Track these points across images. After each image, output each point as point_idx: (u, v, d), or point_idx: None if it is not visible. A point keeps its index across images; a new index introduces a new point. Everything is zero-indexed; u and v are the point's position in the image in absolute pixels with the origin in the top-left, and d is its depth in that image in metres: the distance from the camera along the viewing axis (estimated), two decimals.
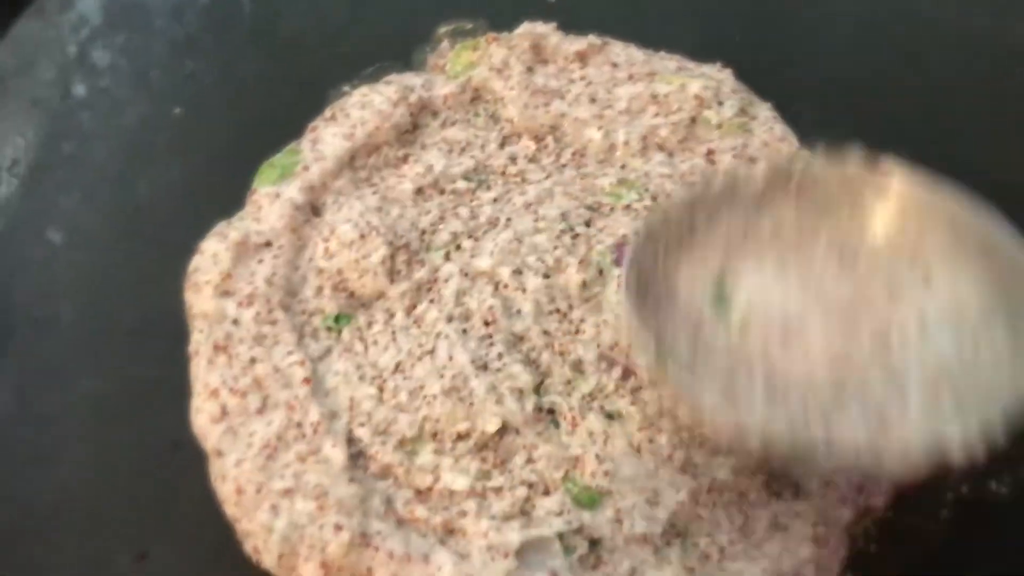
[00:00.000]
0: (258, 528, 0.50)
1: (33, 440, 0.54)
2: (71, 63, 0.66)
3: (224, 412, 0.52)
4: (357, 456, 0.52)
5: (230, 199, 0.59)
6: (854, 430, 0.47)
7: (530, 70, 0.65)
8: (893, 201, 0.53)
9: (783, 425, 0.47)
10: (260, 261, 0.57)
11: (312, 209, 0.60)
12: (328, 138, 0.61)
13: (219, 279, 0.55)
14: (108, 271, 0.59)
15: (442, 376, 0.53)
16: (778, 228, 0.54)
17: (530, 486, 0.52)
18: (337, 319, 0.56)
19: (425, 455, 0.52)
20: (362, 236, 0.57)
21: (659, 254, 0.53)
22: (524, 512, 0.52)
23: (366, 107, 0.62)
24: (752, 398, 0.49)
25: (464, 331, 0.55)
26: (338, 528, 0.49)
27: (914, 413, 0.48)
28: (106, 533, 0.52)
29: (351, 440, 0.53)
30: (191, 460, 0.52)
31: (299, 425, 0.52)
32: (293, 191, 0.59)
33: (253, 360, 0.54)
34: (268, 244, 0.57)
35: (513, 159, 0.62)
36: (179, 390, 0.54)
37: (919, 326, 0.51)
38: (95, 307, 0.58)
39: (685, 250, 0.53)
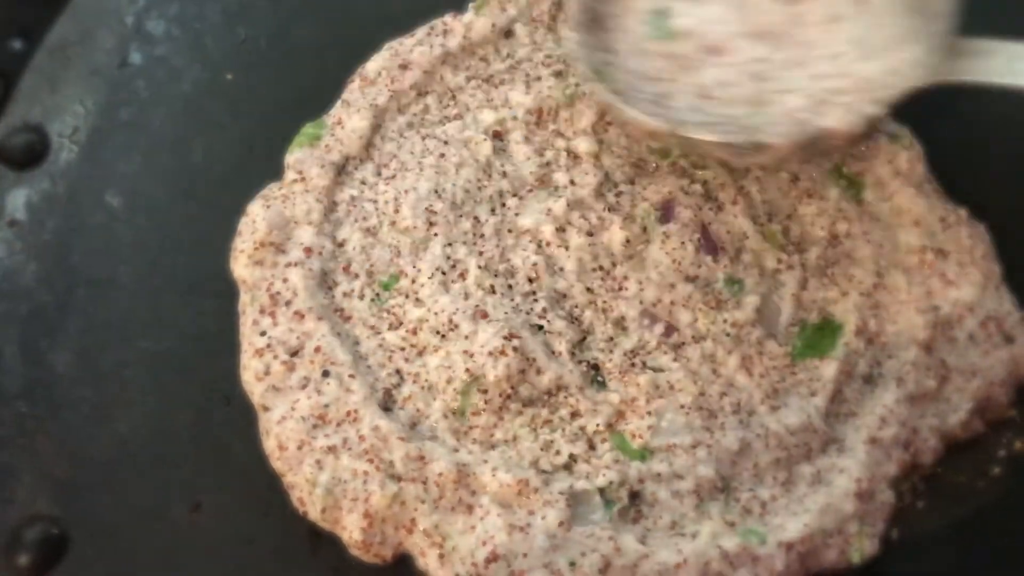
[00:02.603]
0: (302, 481, 0.51)
1: (93, 397, 0.56)
2: (128, 32, 0.67)
3: (268, 371, 0.54)
4: (400, 413, 0.53)
5: (282, 161, 0.60)
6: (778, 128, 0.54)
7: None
8: None
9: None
10: (298, 228, 0.57)
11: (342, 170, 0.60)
12: (361, 100, 0.62)
13: (253, 249, 0.56)
14: (164, 232, 0.60)
15: (489, 334, 0.54)
16: None
17: (574, 441, 0.53)
18: (386, 285, 0.57)
19: (471, 412, 0.53)
20: (427, 217, 0.58)
21: None
22: (567, 467, 0.52)
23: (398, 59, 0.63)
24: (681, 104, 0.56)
25: (510, 287, 0.56)
26: (382, 483, 0.50)
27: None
28: (162, 485, 0.54)
29: (394, 399, 0.54)
30: (243, 414, 0.54)
31: (348, 390, 0.53)
32: (329, 157, 0.60)
33: (292, 330, 0.54)
34: (307, 212, 0.58)
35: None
36: (231, 347, 0.55)
37: (846, 47, 0.56)
38: (152, 267, 0.59)
39: None
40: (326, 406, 0.52)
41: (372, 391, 0.53)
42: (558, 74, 0.62)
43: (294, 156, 0.59)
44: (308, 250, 0.56)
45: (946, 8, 0.54)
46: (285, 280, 0.55)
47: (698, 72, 0.57)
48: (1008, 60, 0.52)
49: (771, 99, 0.55)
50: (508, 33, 0.64)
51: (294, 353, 0.54)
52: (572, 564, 0.48)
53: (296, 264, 0.56)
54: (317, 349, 0.54)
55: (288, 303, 0.55)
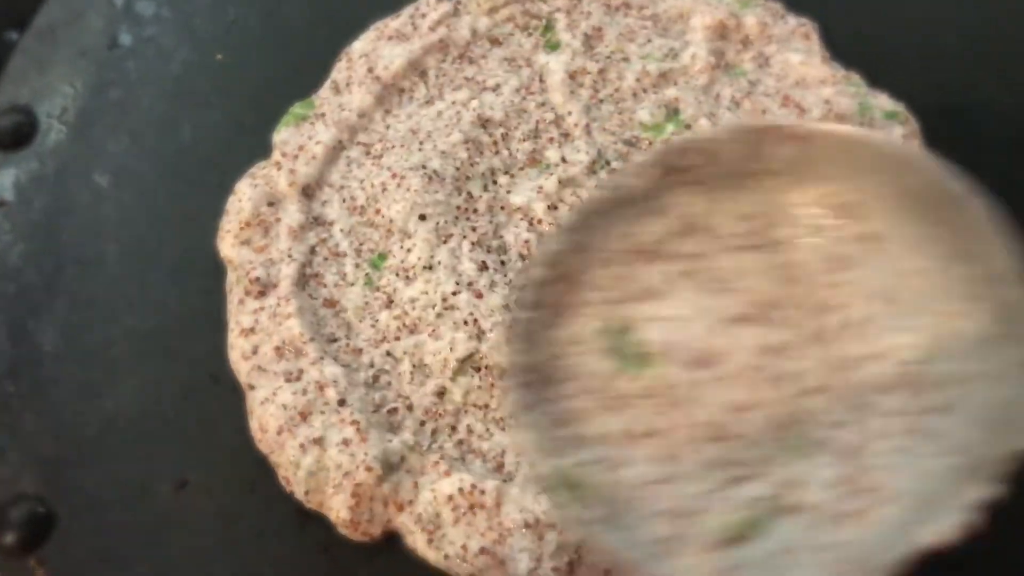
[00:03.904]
0: (285, 462, 0.51)
1: (79, 375, 0.55)
2: (117, 14, 0.67)
3: (255, 351, 0.53)
4: (387, 395, 0.53)
5: (270, 141, 0.59)
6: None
7: None
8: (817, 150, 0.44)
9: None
10: (284, 209, 0.57)
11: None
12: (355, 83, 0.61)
13: (239, 228, 0.56)
14: (152, 211, 0.60)
15: (482, 310, 0.53)
16: (686, 230, 0.45)
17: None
18: (375, 264, 0.56)
19: (462, 390, 0.53)
20: (417, 195, 0.57)
21: (546, 321, 0.44)
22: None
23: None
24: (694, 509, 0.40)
25: (502, 263, 0.55)
26: (368, 468, 0.50)
27: (890, 456, 0.39)
28: (148, 462, 0.53)
29: (385, 381, 0.53)
30: (230, 392, 0.53)
31: (328, 384, 0.52)
32: (317, 136, 0.59)
33: (275, 315, 0.54)
34: (293, 192, 0.58)
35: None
36: (219, 325, 0.55)
37: (879, 314, 0.41)
38: (140, 246, 0.59)
39: (578, 303, 0.44)
40: (308, 402, 0.52)
41: (354, 381, 0.53)
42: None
43: (281, 136, 0.59)
44: (293, 231, 0.56)
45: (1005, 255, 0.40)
46: (270, 263, 0.55)
47: (696, 405, 0.41)
48: None
49: (810, 410, 0.41)
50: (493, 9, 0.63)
51: (279, 340, 0.53)
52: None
53: (281, 247, 0.56)
54: (297, 337, 0.53)
55: (274, 286, 0.55)
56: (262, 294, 0.55)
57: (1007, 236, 0.41)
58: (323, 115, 0.60)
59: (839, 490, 0.39)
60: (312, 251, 0.56)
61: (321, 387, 0.52)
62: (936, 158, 0.42)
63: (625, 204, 0.46)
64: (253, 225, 0.56)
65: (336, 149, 0.59)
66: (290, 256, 0.55)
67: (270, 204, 0.57)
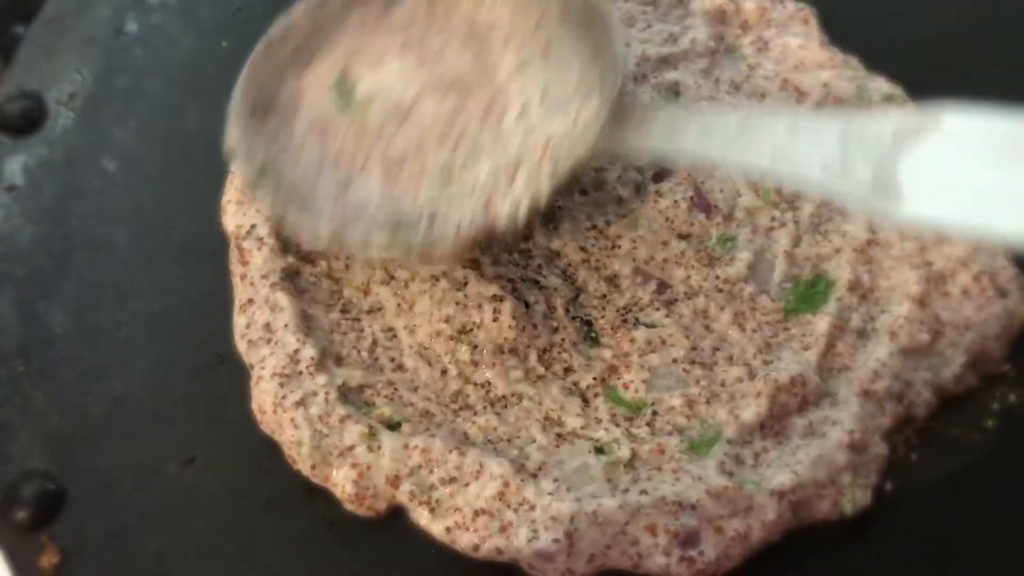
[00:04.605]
0: (288, 441, 0.52)
1: (88, 356, 0.56)
2: (124, 1, 0.67)
3: (248, 325, 0.54)
4: (385, 365, 0.54)
5: None
6: (462, 210, 0.51)
7: None
8: None
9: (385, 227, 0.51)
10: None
11: None
12: None
13: (238, 194, 0.57)
14: (159, 195, 0.61)
15: (482, 286, 0.54)
16: (408, 18, 0.57)
17: (567, 395, 0.53)
18: None
19: (458, 366, 0.53)
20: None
21: (284, 66, 0.56)
22: (560, 421, 0.52)
23: None
24: (367, 201, 0.53)
25: (506, 243, 0.56)
26: (364, 437, 0.51)
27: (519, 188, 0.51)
28: (156, 440, 0.54)
29: (382, 355, 0.54)
30: (237, 372, 0.54)
31: (302, 350, 0.53)
32: None
33: (272, 287, 0.55)
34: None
35: None
36: (225, 306, 0.56)
37: (534, 99, 0.54)
38: (147, 230, 0.60)
39: (315, 56, 0.57)
40: (291, 373, 0.52)
41: (332, 353, 0.54)
42: None
43: None
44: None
45: (619, 58, 0.52)
46: (255, 236, 0.56)
47: (387, 144, 0.54)
48: (667, 127, 0.50)
49: (465, 165, 0.53)
50: None
51: (268, 312, 0.54)
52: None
53: (263, 223, 0.57)
54: (283, 314, 0.54)
55: (262, 252, 0.56)
56: (245, 275, 0.56)
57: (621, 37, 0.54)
58: None
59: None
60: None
61: (299, 358, 0.53)
62: None
63: None
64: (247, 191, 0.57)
65: None
66: (271, 229, 0.56)
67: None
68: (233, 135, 0.54)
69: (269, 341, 0.53)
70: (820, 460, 0.51)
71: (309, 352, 0.53)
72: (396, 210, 0.52)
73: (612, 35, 0.53)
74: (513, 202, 0.51)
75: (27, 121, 0.63)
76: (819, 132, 0.45)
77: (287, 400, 0.52)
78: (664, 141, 0.50)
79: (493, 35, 0.56)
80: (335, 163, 0.54)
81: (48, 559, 0.51)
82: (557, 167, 0.51)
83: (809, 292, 0.56)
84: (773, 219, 0.57)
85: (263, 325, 0.54)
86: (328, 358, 0.53)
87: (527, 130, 0.53)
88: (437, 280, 0.55)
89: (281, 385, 0.52)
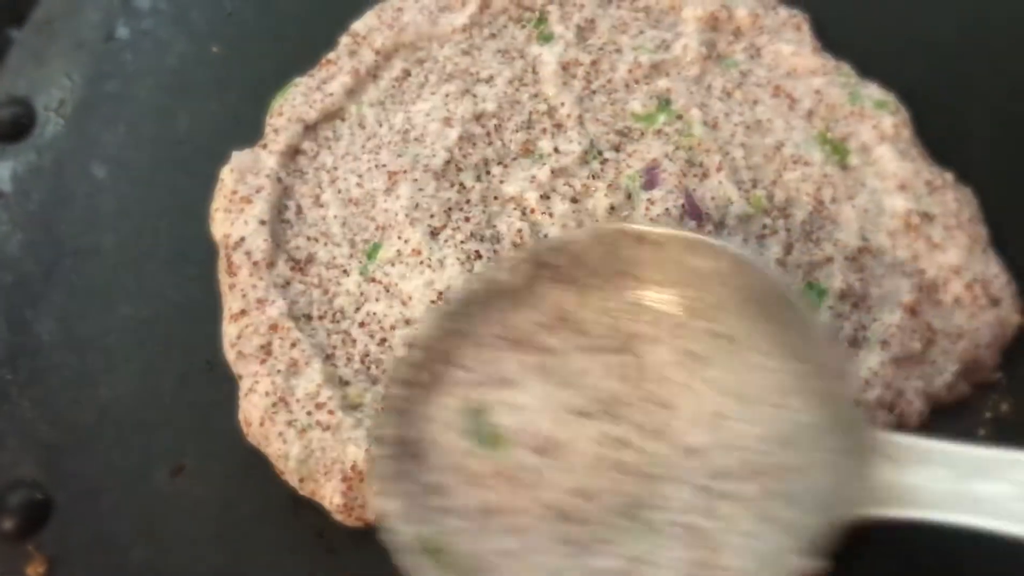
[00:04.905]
0: (275, 454, 0.51)
1: (76, 363, 0.56)
2: (115, 6, 0.67)
3: (239, 336, 0.54)
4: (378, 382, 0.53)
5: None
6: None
7: None
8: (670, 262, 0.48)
9: None
10: (260, 190, 0.58)
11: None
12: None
13: (227, 202, 0.57)
14: (149, 202, 0.61)
15: None
16: (555, 323, 0.49)
17: None
18: (370, 255, 0.57)
19: None
20: (412, 186, 0.57)
21: (416, 398, 0.47)
22: None
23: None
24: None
25: (495, 251, 0.56)
26: (356, 445, 0.50)
27: (738, 538, 0.43)
28: (144, 449, 0.54)
29: (374, 371, 0.54)
30: (225, 380, 0.54)
31: (310, 366, 0.53)
32: (306, 116, 0.60)
33: (261, 301, 0.55)
34: (274, 171, 0.58)
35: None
36: (214, 314, 0.55)
37: (729, 408, 0.45)
38: (136, 237, 0.59)
39: (447, 381, 0.47)
40: (286, 388, 0.52)
41: (337, 366, 0.53)
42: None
43: (274, 117, 0.60)
44: (263, 222, 0.57)
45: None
46: (243, 250, 0.56)
47: (539, 489, 0.45)
48: (957, 478, 0.41)
49: (655, 495, 0.45)
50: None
51: (263, 325, 0.54)
52: None
53: (255, 235, 0.56)
54: (274, 327, 0.54)
55: (255, 264, 0.55)
56: (234, 285, 0.55)
57: (823, 331, 0.49)
58: (314, 95, 0.61)
59: (690, 569, 0.43)
60: (301, 233, 0.57)
61: (297, 370, 0.52)
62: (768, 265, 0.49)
63: (501, 295, 0.49)
64: (236, 198, 0.57)
65: (327, 135, 0.60)
66: (262, 223, 0.56)
67: (253, 171, 0.58)
68: (390, 509, 0.44)
69: (260, 357, 0.53)
70: None
71: (300, 366, 0.52)
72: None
73: (807, 322, 0.45)
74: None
75: (16, 127, 0.63)
76: None
77: (278, 416, 0.51)
78: (955, 505, 0.41)
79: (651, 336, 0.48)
80: (489, 515, 0.45)
81: (35, 568, 0.51)
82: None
83: None
84: (764, 227, 0.57)
85: (254, 339, 0.53)
86: (319, 370, 0.53)
87: (731, 443, 0.45)
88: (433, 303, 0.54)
89: (273, 404, 0.52)
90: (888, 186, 0.58)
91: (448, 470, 0.45)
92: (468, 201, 0.57)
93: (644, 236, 0.49)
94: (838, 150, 0.59)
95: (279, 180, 0.58)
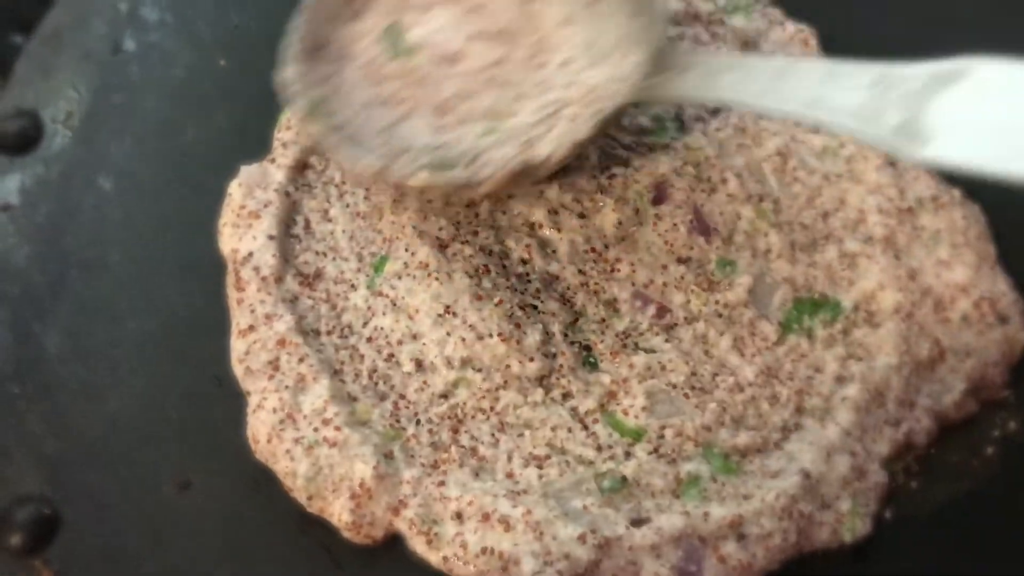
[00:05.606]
0: (283, 471, 0.51)
1: (84, 376, 0.56)
2: (122, 19, 0.67)
3: (247, 351, 0.54)
4: (387, 393, 0.53)
5: (272, 145, 0.60)
6: (503, 150, 0.53)
7: None
8: None
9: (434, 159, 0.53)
10: (268, 205, 0.58)
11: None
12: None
13: (235, 217, 0.57)
14: (156, 214, 0.60)
15: (484, 314, 0.54)
16: None
17: (567, 421, 0.53)
18: (377, 268, 0.56)
19: (463, 393, 0.53)
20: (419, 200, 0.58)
21: (336, 14, 0.58)
22: (559, 447, 0.52)
23: None
24: (414, 140, 0.55)
25: (504, 267, 0.56)
26: (363, 462, 0.50)
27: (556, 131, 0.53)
28: (152, 463, 0.53)
29: (385, 384, 0.54)
30: (233, 394, 0.54)
31: (315, 384, 0.53)
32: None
33: (269, 317, 0.55)
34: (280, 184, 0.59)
35: None
36: (222, 326, 0.55)
37: (578, 49, 0.56)
38: (143, 249, 0.59)
39: (367, 6, 0.59)
40: (293, 404, 0.52)
41: (344, 382, 0.53)
42: None
43: (283, 131, 0.61)
44: (272, 237, 0.57)
45: (662, 11, 0.55)
46: (251, 265, 0.56)
47: (436, 86, 0.57)
48: (704, 75, 0.52)
49: (508, 110, 0.55)
50: None
51: (271, 340, 0.54)
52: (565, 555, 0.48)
53: (264, 250, 0.56)
54: (282, 342, 0.54)
55: (263, 279, 0.55)
56: (242, 301, 0.55)
57: None
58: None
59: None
60: (309, 248, 0.57)
61: (304, 386, 0.52)
62: None
63: None
64: (244, 213, 0.57)
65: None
66: (270, 238, 0.56)
67: (261, 185, 0.58)
68: (289, 72, 0.56)
69: (268, 372, 0.53)
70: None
71: (307, 381, 0.52)
72: (441, 149, 0.54)
73: None
74: (551, 143, 0.53)
75: (24, 140, 0.63)
76: (852, 78, 0.47)
77: (285, 433, 0.51)
78: (702, 88, 0.52)
79: None
80: (385, 104, 0.56)
81: None
82: (598, 113, 0.53)
83: (806, 314, 0.56)
84: (770, 240, 0.57)
85: (262, 355, 0.53)
86: (326, 386, 0.52)
87: (570, 78, 0.55)
88: (441, 316, 0.54)
89: (281, 421, 0.52)
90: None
91: (355, 67, 0.57)
92: (476, 215, 0.57)
93: None
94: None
95: (287, 195, 0.58)
